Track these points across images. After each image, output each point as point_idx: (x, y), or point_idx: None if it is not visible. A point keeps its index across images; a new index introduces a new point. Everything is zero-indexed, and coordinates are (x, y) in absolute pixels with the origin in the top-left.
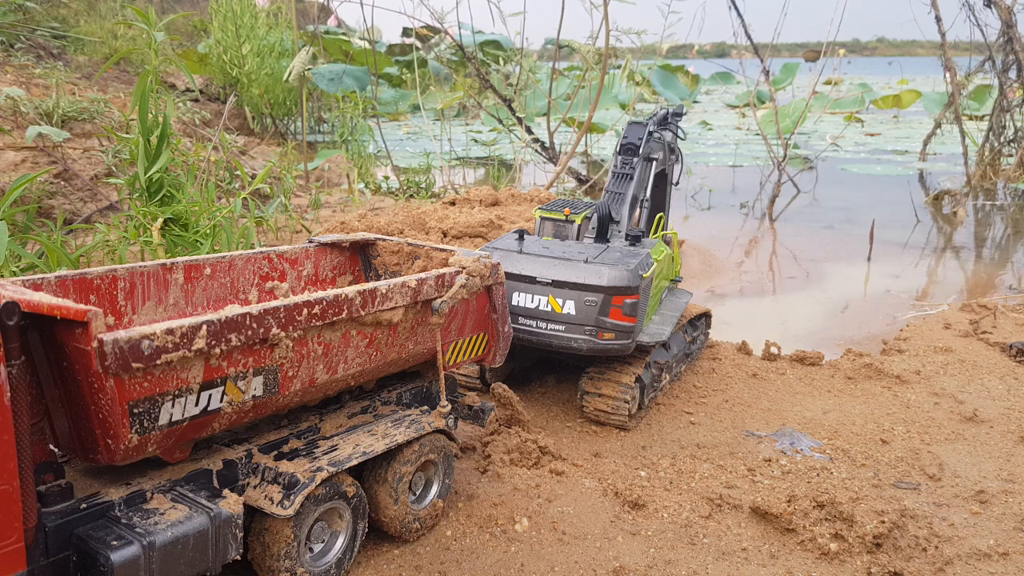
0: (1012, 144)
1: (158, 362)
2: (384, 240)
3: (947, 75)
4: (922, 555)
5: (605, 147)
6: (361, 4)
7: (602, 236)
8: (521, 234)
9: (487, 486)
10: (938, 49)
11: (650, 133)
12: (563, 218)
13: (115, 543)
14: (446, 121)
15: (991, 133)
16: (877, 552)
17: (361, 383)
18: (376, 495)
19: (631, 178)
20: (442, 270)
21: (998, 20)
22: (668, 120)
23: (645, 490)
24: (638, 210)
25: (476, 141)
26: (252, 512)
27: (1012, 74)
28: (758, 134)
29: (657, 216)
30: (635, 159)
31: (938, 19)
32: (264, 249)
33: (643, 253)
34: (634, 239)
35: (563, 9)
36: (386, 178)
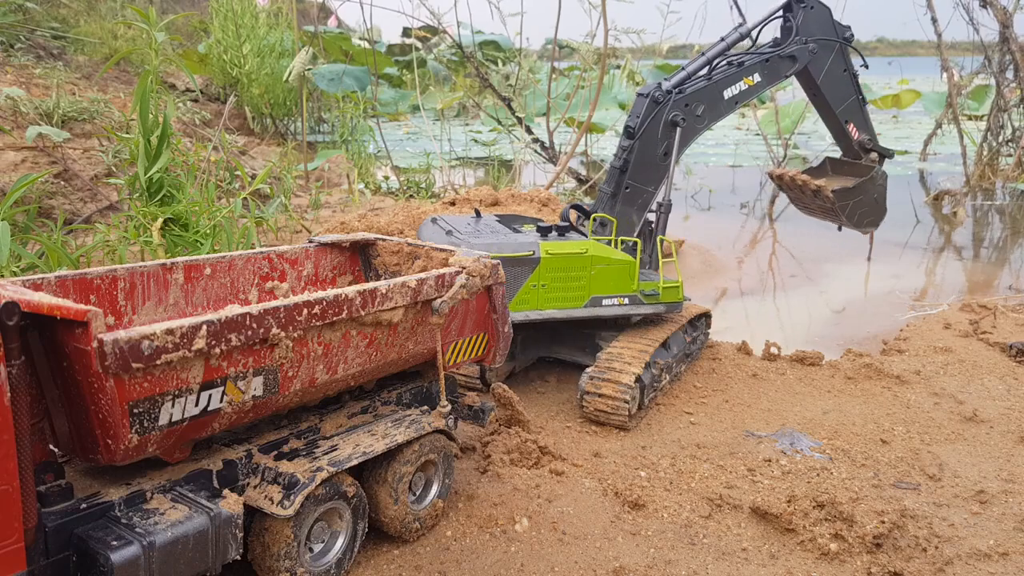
0: (1010, 144)
1: (158, 362)
2: (384, 240)
3: (944, 75)
4: (922, 555)
5: (605, 147)
6: (361, 4)
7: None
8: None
9: (487, 486)
10: (935, 49)
11: (655, 102)
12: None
13: (115, 543)
14: (446, 121)
15: (989, 133)
16: (877, 552)
17: (361, 383)
18: (376, 495)
19: (622, 172)
20: (442, 270)
21: (994, 21)
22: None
23: (645, 490)
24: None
25: (476, 141)
26: (252, 512)
27: (1009, 74)
28: (758, 134)
29: (657, 238)
30: (634, 144)
31: (934, 20)
32: (264, 249)
33: (516, 242)
34: (560, 231)
35: (560, 8)
36: (386, 178)
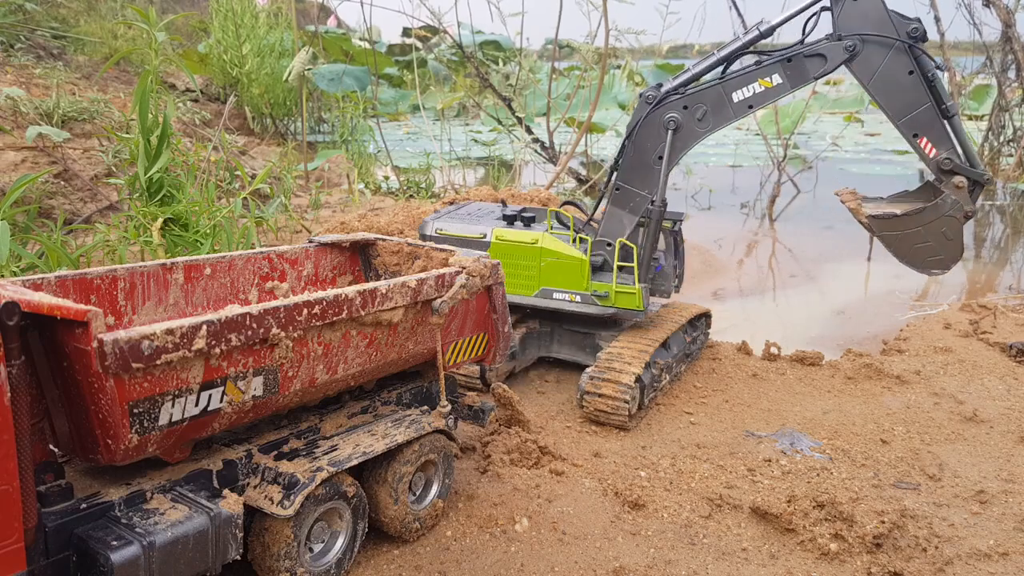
0: (1011, 144)
1: (158, 362)
2: (384, 240)
3: (945, 75)
4: (922, 555)
5: (605, 147)
6: (361, 4)
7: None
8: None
9: (487, 486)
10: (938, 49)
11: (647, 102)
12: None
13: (115, 543)
14: (446, 121)
15: (990, 133)
16: (877, 552)
17: (361, 383)
18: (376, 495)
19: (616, 171)
20: (442, 270)
21: (997, 20)
22: None
23: (645, 490)
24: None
25: (476, 141)
26: (252, 512)
27: (1011, 74)
28: (758, 134)
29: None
30: (626, 144)
31: (937, 19)
32: (264, 249)
33: (474, 226)
34: (525, 221)
35: (560, 8)
36: (386, 178)
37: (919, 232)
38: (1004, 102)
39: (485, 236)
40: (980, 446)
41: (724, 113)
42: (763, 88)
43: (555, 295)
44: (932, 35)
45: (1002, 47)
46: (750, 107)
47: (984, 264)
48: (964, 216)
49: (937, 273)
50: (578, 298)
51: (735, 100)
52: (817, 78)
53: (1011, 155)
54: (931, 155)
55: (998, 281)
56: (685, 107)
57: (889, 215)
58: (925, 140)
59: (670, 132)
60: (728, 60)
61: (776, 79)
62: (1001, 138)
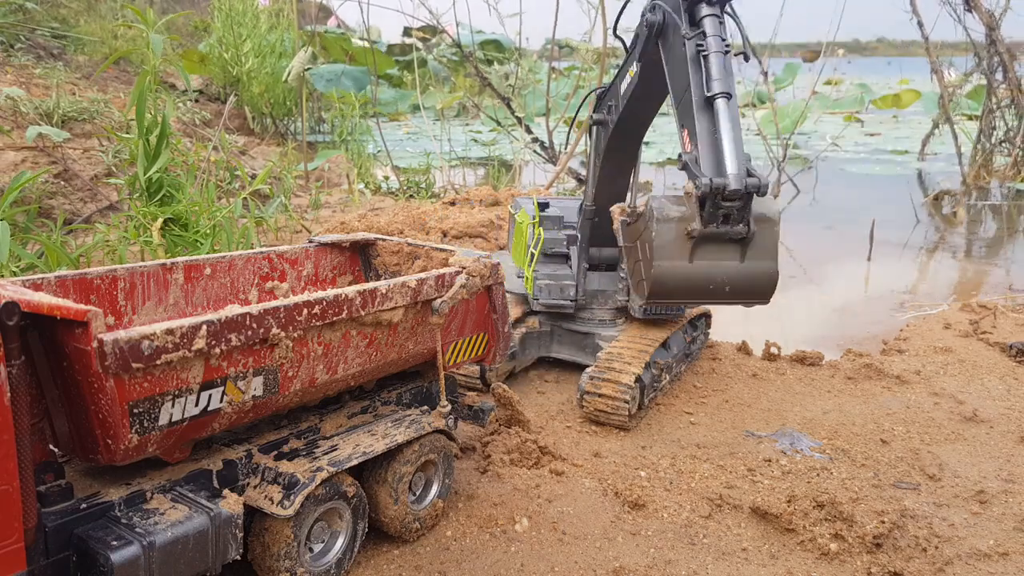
0: (1004, 144)
1: (158, 362)
2: (384, 240)
3: (934, 76)
4: (922, 555)
5: None
6: (360, 4)
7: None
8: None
9: (487, 486)
10: (926, 51)
11: (600, 97)
12: None
13: (115, 543)
14: (446, 121)
15: (982, 134)
16: (877, 552)
17: (361, 383)
18: (376, 495)
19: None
20: (442, 270)
21: (980, 24)
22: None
23: (645, 490)
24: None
25: (476, 141)
26: (252, 512)
27: (999, 75)
28: (758, 134)
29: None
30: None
31: (920, 24)
32: (264, 249)
33: (519, 204)
34: (542, 207)
35: (557, 8)
36: (386, 178)
37: (636, 247)
38: (994, 103)
39: (514, 212)
40: (980, 446)
41: (620, 108)
42: (629, 78)
43: (522, 272)
44: (915, 37)
45: (988, 49)
46: (626, 99)
47: (983, 264)
48: (687, 234)
49: (638, 304)
50: (522, 276)
51: (621, 91)
52: (641, 60)
53: (1007, 155)
54: (687, 151)
55: (997, 281)
56: (609, 103)
57: (624, 221)
58: (686, 133)
59: (594, 128)
60: (633, 48)
61: (635, 67)
62: (993, 139)
